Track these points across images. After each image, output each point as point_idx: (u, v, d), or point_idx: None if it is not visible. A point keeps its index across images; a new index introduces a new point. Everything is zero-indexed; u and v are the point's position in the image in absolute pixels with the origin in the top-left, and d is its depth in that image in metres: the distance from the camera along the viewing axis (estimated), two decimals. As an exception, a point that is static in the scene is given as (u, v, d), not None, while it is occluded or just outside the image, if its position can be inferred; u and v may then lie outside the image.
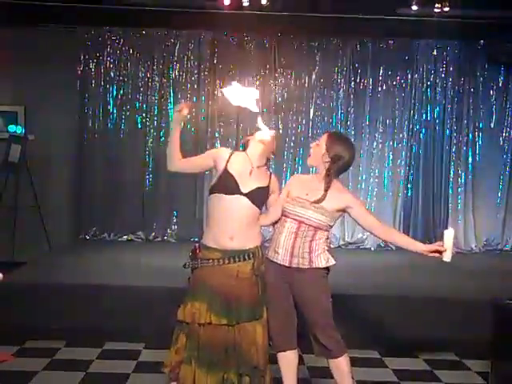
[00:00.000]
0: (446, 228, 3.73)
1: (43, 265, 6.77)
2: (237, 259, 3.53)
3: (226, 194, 3.54)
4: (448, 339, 5.45)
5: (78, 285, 5.70)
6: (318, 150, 3.69)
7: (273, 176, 3.76)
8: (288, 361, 3.78)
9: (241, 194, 3.53)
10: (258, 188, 3.59)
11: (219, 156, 3.66)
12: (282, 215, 3.68)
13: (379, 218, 3.82)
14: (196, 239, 8.55)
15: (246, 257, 3.56)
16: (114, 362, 4.97)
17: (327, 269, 3.68)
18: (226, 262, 3.51)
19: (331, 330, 3.64)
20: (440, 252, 3.54)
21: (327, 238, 3.70)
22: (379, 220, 3.75)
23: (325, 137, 3.72)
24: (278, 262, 3.65)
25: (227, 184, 3.54)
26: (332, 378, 3.73)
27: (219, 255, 3.52)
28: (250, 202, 3.54)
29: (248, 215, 3.56)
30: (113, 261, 7.18)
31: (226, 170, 3.56)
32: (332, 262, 3.66)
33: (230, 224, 3.52)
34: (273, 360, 3.73)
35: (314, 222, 3.60)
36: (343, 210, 3.68)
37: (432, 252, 3.57)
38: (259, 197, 3.59)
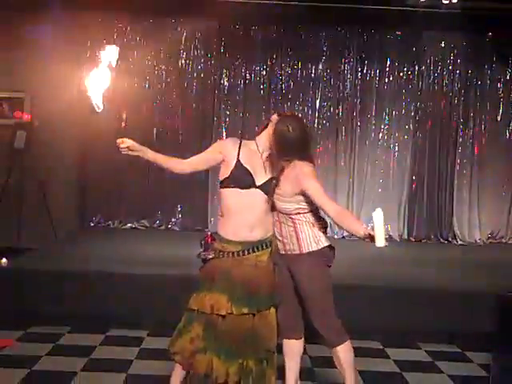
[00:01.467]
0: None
1: (48, 251, 6.80)
2: (256, 249, 3.52)
3: (241, 188, 3.50)
4: (450, 331, 5.46)
5: (81, 271, 5.71)
6: (268, 133, 3.61)
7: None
8: (291, 348, 3.78)
9: (256, 187, 3.50)
10: (270, 179, 3.54)
11: (227, 148, 3.60)
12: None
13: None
14: (199, 228, 8.61)
15: (265, 246, 3.56)
16: (116, 349, 4.99)
17: (326, 256, 3.61)
18: (247, 253, 3.51)
19: (328, 318, 3.60)
20: (372, 237, 3.27)
21: (315, 220, 3.60)
22: (334, 202, 3.59)
23: (274, 116, 3.64)
24: (280, 250, 3.67)
25: (242, 178, 3.49)
26: (335, 367, 3.73)
27: (240, 247, 3.50)
28: (263, 194, 3.52)
29: (264, 205, 3.54)
30: (117, 248, 7.20)
31: (238, 162, 3.51)
32: (323, 243, 3.58)
33: (249, 217, 3.49)
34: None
35: (283, 209, 3.57)
36: (303, 193, 3.52)
37: (366, 238, 3.31)
38: (269, 188, 3.53)
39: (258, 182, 3.50)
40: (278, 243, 3.65)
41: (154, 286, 5.50)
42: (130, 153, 3.58)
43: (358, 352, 4.74)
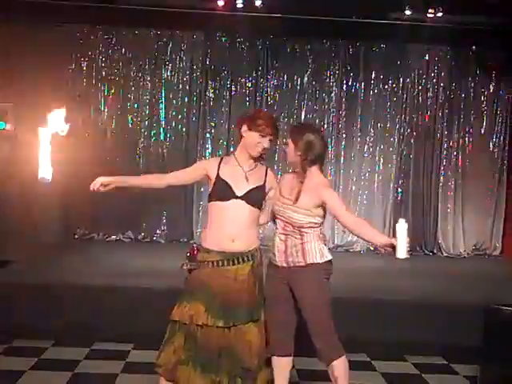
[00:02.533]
0: (402, 227, 3.61)
1: (31, 264, 6.72)
2: (236, 261, 3.52)
3: (222, 200, 3.53)
4: (436, 343, 5.45)
5: (66, 284, 5.66)
6: (290, 148, 3.66)
7: (269, 171, 3.72)
8: (280, 365, 3.75)
9: (236, 197, 3.52)
10: (253, 189, 3.56)
11: (210, 165, 3.66)
12: (275, 215, 3.68)
13: (367, 219, 3.74)
14: (185, 240, 8.59)
15: (246, 258, 3.55)
16: (102, 362, 4.94)
17: (327, 269, 3.64)
18: (226, 264, 3.51)
19: (326, 332, 3.60)
20: (394, 247, 3.38)
21: (320, 234, 3.65)
22: (351, 211, 3.67)
23: (289, 133, 3.72)
24: (276, 263, 3.65)
25: (222, 190, 3.54)
26: (322, 380, 3.71)
27: (220, 257, 3.51)
28: (246, 204, 3.53)
29: (247, 217, 3.55)
30: (101, 261, 7.15)
31: (218, 177, 3.57)
32: (327, 257, 3.62)
33: (231, 227, 3.51)
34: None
35: (295, 222, 3.58)
36: (322, 205, 3.60)
37: (386, 246, 3.43)
38: (255, 197, 3.57)
39: (239, 193, 3.52)
40: (277, 255, 3.64)
41: (139, 298, 5.46)
42: (105, 189, 3.79)
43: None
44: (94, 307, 5.40)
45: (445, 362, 5.34)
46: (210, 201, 3.63)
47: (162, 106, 8.82)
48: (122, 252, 7.83)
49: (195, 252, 3.62)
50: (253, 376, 3.52)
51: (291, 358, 3.78)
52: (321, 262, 3.60)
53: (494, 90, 8.97)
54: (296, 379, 4.71)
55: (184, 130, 8.79)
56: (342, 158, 8.91)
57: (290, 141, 3.67)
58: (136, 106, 8.77)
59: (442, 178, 8.99)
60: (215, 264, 3.50)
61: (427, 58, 8.93)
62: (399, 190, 9.00)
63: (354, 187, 8.90)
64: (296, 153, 3.62)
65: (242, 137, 3.65)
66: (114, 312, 5.38)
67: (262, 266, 3.65)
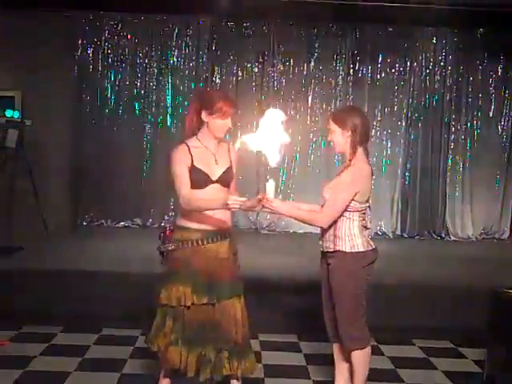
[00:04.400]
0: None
1: (40, 250, 6.76)
2: (215, 239, 3.57)
3: (201, 188, 3.56)
4: (444, 327, 5.46)
5: (74, 270, 5.70)
6: (336, 135, 3.66)
7: (231, 147, 3.73)
8: (336, 352, 3.86)
9: (212, 182, 3.57)
10: (224, 171, 3.62)
11: (185, 156, 3.58)
12: None
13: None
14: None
15: (224, 236, 3.62)
16: (111, 348, 4.98)
17: (357, 259, 3.59)
18: (206, 242, 3.55)
19: (346, 323, 3.62)
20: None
21: (359, 222, 3.62)
22: (329, 214, 3.59)
23: (331, 121, 3.69)
24: (320, 248, 3.72)
25: (199, 179, 3.55)
26: (328, 364, 3.74)
27: (199, 235, 3.55)
28: (221, 187, 3.60)
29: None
30: (110, 247, 7.18)
31: (193, 166, 3.56)
32: (358, 248, 3.58)
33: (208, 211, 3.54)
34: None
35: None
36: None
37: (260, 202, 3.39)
38: (227, 178, 3.64)
39: (214, 177, 3.58)
40: (320, 242, 3.71)
41: (147, 284, 5.46)
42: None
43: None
44: (103, 293, 5.43)
45: (452, 346, 5.36)
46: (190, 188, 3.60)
47: (169, 92, 8.80)
48: (131, 238, 7.85)
49: (169, 233, 3.66)
50: (239, 351, 3.59)
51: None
52: (347, 251, 3.58)
53: (502, 72, 8.89)
54: (303, 363, 4.75)
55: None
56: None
57: (334, 127, 3.65)
58: (143, 92, 8.76)
59: (450, 161, 8.95)
60: (195, 243, 3.55)
61: (434, 41, 8.85)
62: (407, 174, 8.97)
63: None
64: (345, 137, 3.62)
65: (198, 121, 3.64)
66: (122, 298, 5.41)
67: (236, 243, 3.73)
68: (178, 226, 3.64)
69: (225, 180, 3.61)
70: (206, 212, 3.51)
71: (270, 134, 3.33)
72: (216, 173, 3.59)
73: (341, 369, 3.86)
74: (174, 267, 3.61)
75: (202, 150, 3.61)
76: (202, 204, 3.49)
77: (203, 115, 3.60)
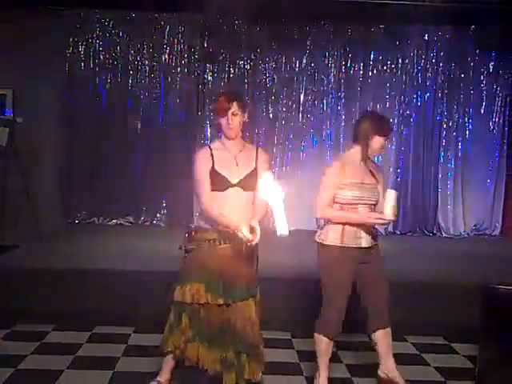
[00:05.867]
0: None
1: (32, 249, 6.74)
2: (231, 239, 3.57)
3: (220, 190, 3.61)
4: (436, 323, 5.48)
5: (66, 269, 5.68)
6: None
7: (260, 152, 3.76)
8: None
9: (232, 186, 3.60)
10: (247, 175, 3.64)
11: (206, 159, 3.65)
12: None
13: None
14: (185, 223, 8.57)
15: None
16: (103, 346, 4.95)
17: (328, 252, 3.81)
18: (222, 242, 3.59)
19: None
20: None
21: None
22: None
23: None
24: (355, 245, 3.89)
25: (219, 182, 3.60)
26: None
27: (215, 235, 3.60)
28: (242, 190, 3.62)
29: (243, 202, 3.64)
30: (102, 245, 7.16)
31: (213, 169, 3.62)
32: (329, 242, 3.80)
33: (230, 213, 3.57)
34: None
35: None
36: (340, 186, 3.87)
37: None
38: (249, 182, 3.64)
39: (234, 181, 3.61)
40: (358, 240, 3.90)
41: (139, 282, 5.48)
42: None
43: (346, 345, 4.78)
44: (95, 291, 5.41)
45: (445, 342, 5.37)
46: (211, 190, 3.66)
47: (161, 89, 8.78)
48: (123, 236, 7.84)
49: (192, 233, 3.71)
50: (258, 353, 3.61)
51: (384, 331, 4.18)
52: (324, 243, 3.80)
53: (494, 69, 8.92)
54: (296, 360, 4.75)
55: (183, 113, 8.76)
56: (342, 140, 8.87)
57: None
58: (134, 89, 8.74)
59: (441, 158, 8.98)
60: (212, 242, 3.59)
61: (426, 38, 8.88)
62: (399, 170, 8.99)
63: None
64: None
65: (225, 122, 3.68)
66: (114, 296, 5.39)
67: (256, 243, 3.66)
68: (198, 227, 3.71)
69: (246, 184, 3.63)
70: (223, 212, 3.56)
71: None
72: (236, 176, 3.62)
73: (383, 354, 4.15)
74: (189, 266, 3.64)
75: (224, 153, 3.66)
76: (217, 220, 3.58)
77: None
